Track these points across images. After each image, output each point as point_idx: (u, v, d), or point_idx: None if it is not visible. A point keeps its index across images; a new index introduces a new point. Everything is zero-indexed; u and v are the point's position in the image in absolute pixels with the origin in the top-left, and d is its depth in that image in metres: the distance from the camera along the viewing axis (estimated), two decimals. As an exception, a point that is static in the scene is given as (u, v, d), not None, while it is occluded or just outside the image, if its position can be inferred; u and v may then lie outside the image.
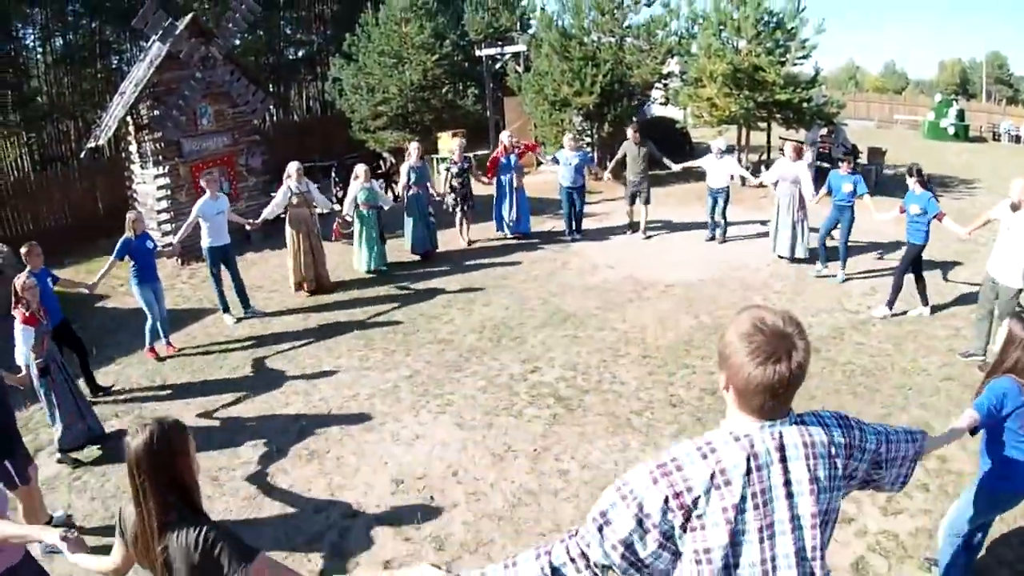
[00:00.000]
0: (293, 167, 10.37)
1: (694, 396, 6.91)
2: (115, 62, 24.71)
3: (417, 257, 11.96)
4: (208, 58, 13.06)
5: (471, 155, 12.96)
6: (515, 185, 12.65)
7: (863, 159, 17.64)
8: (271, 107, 19.69)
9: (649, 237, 12.63)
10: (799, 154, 10.89)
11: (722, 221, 12.21)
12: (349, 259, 11.61)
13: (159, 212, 12.99)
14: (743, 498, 1.92)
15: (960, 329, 8.38)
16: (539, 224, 13.73)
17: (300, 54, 31.01)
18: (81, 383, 7.37)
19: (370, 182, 11.07)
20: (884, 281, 9.66)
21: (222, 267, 9.69)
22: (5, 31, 21.60)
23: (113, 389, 7.92)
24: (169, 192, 12.97)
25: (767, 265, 10.77)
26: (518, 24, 23.48)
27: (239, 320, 9.75)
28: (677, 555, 1.97)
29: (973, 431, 3.72)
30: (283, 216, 10.57)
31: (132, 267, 8.30)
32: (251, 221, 10.42)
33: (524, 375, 7.51)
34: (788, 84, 15.16)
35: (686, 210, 14.40)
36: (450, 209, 12.64)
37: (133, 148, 13.71)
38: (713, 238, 12.29)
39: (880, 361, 7.58)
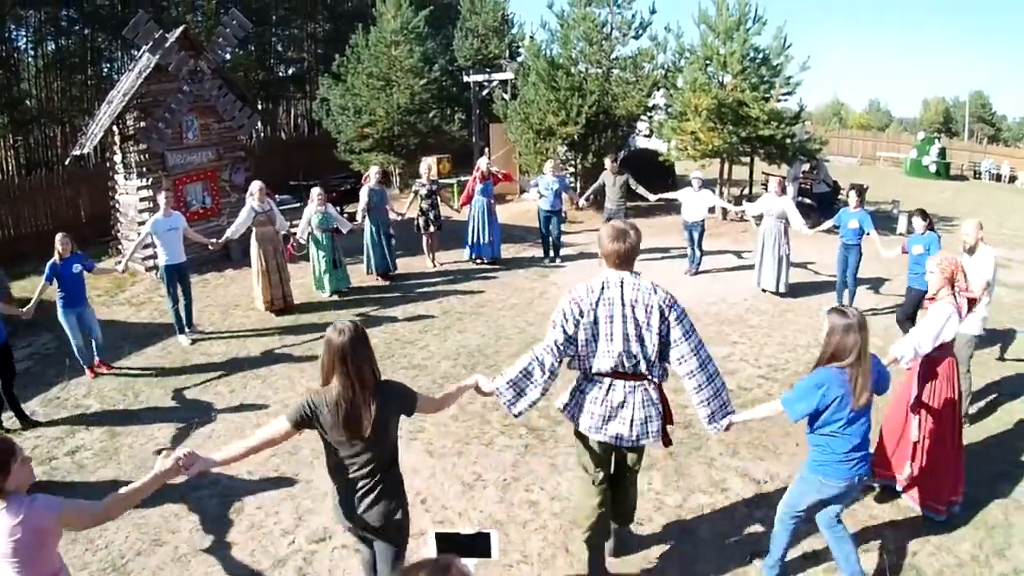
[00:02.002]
0: (256, 186, 10.35)
1: (666, 429, 6.92)
2: (106, 70, 24.75)
3: (378, 279, 12.01)
4: (197, 72, 13.09)
5: (455, 180, 13.04)
6: (487, 211, 12.73)
7: (843, 196, 17.84)
8: (258, 124, 19.67)
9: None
10: (784, 189, 11.03)
11: (698, 253, 12.30)
12: (310, 282, 11.62)
13: (140, 224, 12.93)
14: (598, 301, 4.02)
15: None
16: (519, 251, 13.78)
17: (290, 72, 31.17)
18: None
19: (324, 205, 11.05)
20: (879, 320, 9.77)
21: (178, 286, 9.63)
22: (-2, 32, 21.56)
23: (86, 402, 7.84)
24: (151, 204, 12.90)
25: (744, 300, 10.86)
26: (507, 51, 23.75)
27: (194, 342, 9.69)
28: (576, 328, 4.06)
29: (813, 420, 4.23)
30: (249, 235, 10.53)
31: (59, 290, 8.19)
32: (213, 241, 10.35)
33: (497, 404, 7.47)
34: (772, 120, 15.36)
35: (665, 241, 14.49)
36: (418, 231, 12.70)
37: (118, 158, 13.70)
38: (697, 272, 12.37)
39: (854, 398, 7.62)
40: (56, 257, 8.04)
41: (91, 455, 6.78)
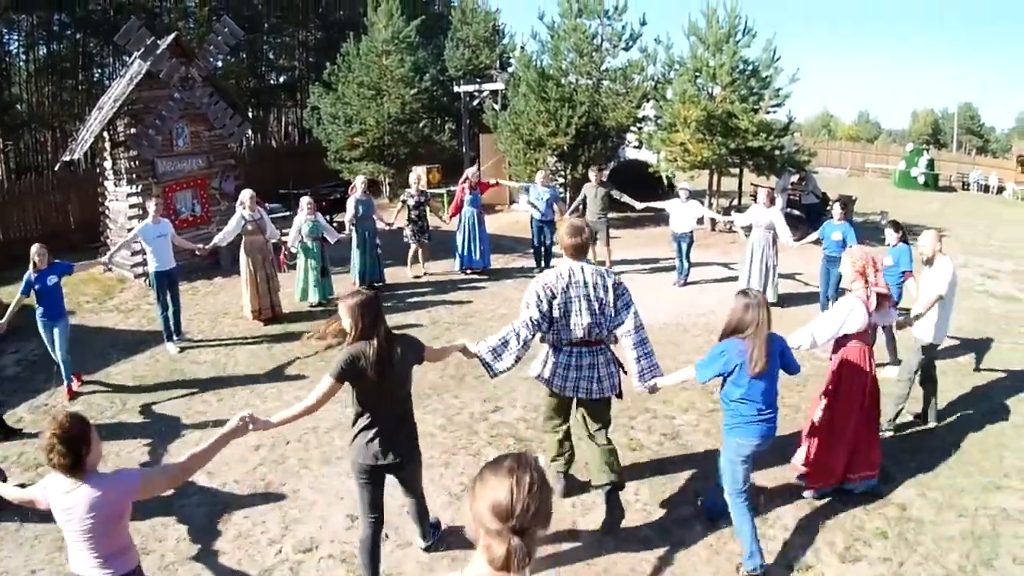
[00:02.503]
0: (246, 195, 10.33)
1: (654, 441, 6.93)
2: (97, 75, 24.71)
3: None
4: (188, 79, 13.10)
5: (444, 190, 13.04)
6: (477, 221, 12.75)
7: (831, 207, 17.94)
8: (248, 132, 19.65)
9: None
10: (772, 200, 11.08)
11: (686, 264, 12.34)
12: (294, 291, 11.50)
13: (129, 231, 12.88)
14: (568, 285, 4.98)
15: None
16: (508, 261, 13.80)
17: (281, 80, 31.14)
18: None
19: (314, 214, 11.03)
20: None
21: (167, 292, 9.60)
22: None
23: (73, 408, 7.77)
24: (140, 211, 12.87)
25: (733, 310, 10.89)
26: (497, 62, 23.83)
27: (182, 350, 9.64)
28: (550, 307, 5.02)
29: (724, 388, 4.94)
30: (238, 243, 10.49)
31: (37, 302, 8.01)
32: (200, 247, 10.30)
33: (485, 414, 7.49)
34: (761, 131, 15.44)
35: (654, 252, 14.54)
36: (408, 240, 12.68)
37: (108, 164, 13.69)
38: (686, 283, 12.39)
39: (840, 410, 7.64)
40: (32, 269, 7.85)
41: (77, 463, 6.73)
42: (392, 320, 10.54)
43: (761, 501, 5.69)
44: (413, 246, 12.71)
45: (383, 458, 4.46)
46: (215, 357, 9.40)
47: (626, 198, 12.71)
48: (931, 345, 7.07)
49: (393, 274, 12.66)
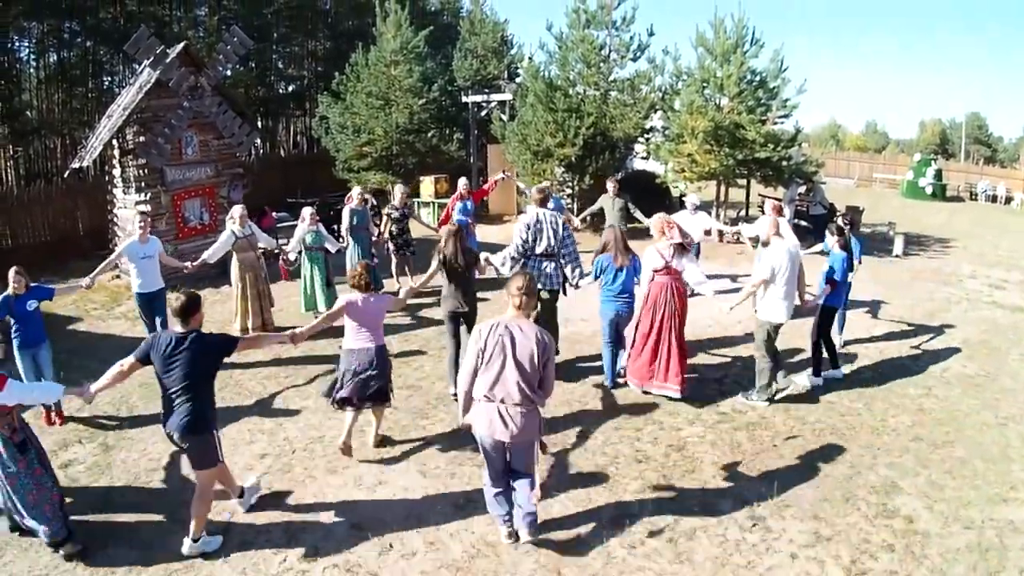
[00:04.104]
0: (237, 210, 10.14)
1: (660, 452, 6.91)
2: (107, 83, 24.81)
3: None
4: (197, 88, 13.17)
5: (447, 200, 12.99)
6: (467, 232, 12.72)
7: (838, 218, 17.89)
8: (257, 141, 19.73)
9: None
10: (780, 212, 11.01)
11: None
12: (299, 301, 11.36)
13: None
14: (539, 221, 8.46)
15: (932, 388, 8.51)
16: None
17: (290, 89, 31.23)
18: None
19: (316, 225, 11.00)
20: (875, 346, 9.80)
21: (155, 314, 9.16)
22: (1, 43, 21.65)
23: (79, 415, 7.83)
24: (149, 219, 12.91)
25: (738, 322, 10.82)
26: (505, 73, 23.87)
27: None
28: (527, 236, 8.43)
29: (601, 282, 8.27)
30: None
31: (14, 328, 7.40)
32: (188, 265, 9.99)
33: (491, 423, 7.47)
34: (768, 142, 15.43)
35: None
36: (389, 254, 12.61)
37: (117, 172, 13.76)
38: (693, 294, 12.33)
39: (850, 420, 7.64)
40: (10, 291, 7.26)
41: (84, 468, 6.76)
42: (394, 330, 10.64)
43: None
44: (395, 259, 12.63)
45: (461, 307, 7.81)
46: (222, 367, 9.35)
47: (638, 213, 12.67)
48: (768, 323, 7.79)
49: (390, 284, 12.56)
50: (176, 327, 5.30)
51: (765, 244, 7.95)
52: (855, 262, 9.50)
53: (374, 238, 12.18)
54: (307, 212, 10.98)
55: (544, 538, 5.51)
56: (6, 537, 5.57)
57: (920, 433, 7.35)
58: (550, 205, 8.67)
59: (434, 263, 7.78)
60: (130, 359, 5.27)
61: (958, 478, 6.43)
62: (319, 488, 6.32)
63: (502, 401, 4.91)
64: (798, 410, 7.86)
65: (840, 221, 9.34)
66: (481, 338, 4.98)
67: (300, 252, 10.98)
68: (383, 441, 7.08)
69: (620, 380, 8.42)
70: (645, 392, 8.07)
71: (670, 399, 7.92)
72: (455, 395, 6.90)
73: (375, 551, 5.40)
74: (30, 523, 5.35)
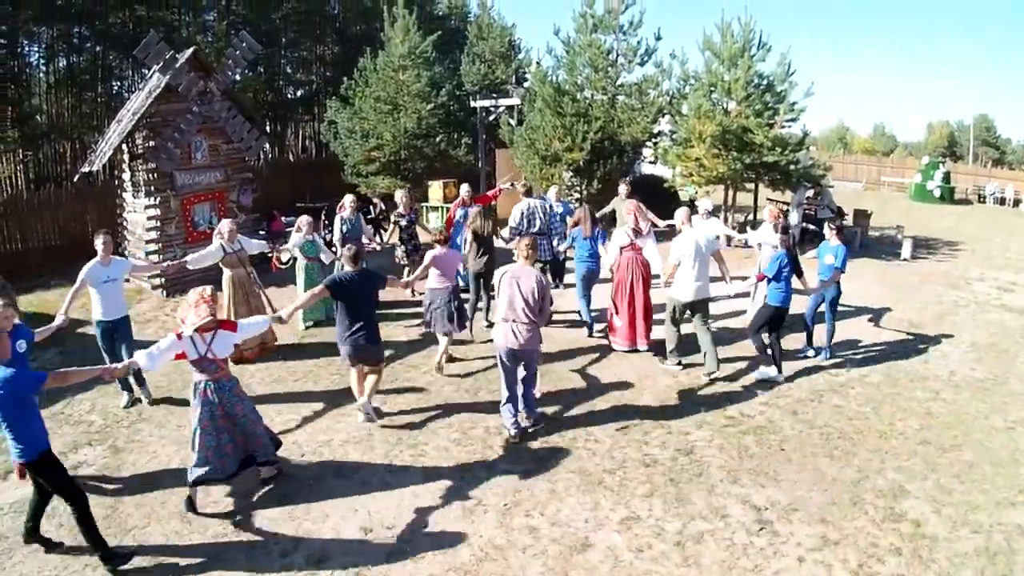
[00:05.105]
0: (225, 226, 9.54)
1: (668, 456, 6.92)
2: (116, 87, 24.89)
3: None
4: (206, 93, 13.21)
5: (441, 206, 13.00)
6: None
7: (848, 221, 17.88)
8: (266, 145, 19.80)
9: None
10: (784, 218, 11.05)
11: None
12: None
13: (147, 243, 13.04)
14: (531, 209, 11.32)
15: (940, 392, 8.50)
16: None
17: (299, 94, 31.29)
18: None
19: (312, 235, 10.88)
20: (878, 353, 9.77)
21: (116, 344, 8.26)
22: (11, 48, 21.75)
23: (89, 418, 7.92)
24: (158, 224, 13.00)
25: (746, 326, 10.84)
26: (513, 77, 23.84)
27: (130, 404, 8.35)
28: (522, 219, 11.29)
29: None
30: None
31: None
32: (166, 265, 9.66)
33: (499, 429, 7.47)
34: (776, 146, 15.39)
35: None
36: (400, 262, 12.60)
37: (126, 177, 13.84)
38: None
39: (858, 424, 7.64)
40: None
41: (94, 471, 6.81)
42: (402, 335, 10.68)
43: None
44: (408, 264, 12.54)
45: (482, 269, 10.12)
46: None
47: (651, 215, 12.65)
48: (674, 299, 9.04)
49: (385, 292, 12.46)
50: (347, 267, 7.40)
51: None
52: (838, 269, 9.37)
53: (369, 248, 11.96)
54: (303, 221, 10.85)
55: (552, 541, 5.53)
56: (16, 538, 5.62)
57: (928, 437, 7.34)
58: (534, 195, 11.78)
59: (430, 258, 9.02)
60: (320, 287, 7.27)
61: (966, 482, 6.43)
62: (328, 491, 6.34)
63: (514, 321, 6.94)
64: (806, 414, 7.86)
65: (832, 225, 9.96)
66: (502, 281, 7.07)
67: (295, 259, 10.91)
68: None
69: (598, 335, 10.31)
70: (632, 351, 9.61)
71: (646, 352, 9.57)
72: (488, 324, 10.31)
73: (383, 554, 5.42)
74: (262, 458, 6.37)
